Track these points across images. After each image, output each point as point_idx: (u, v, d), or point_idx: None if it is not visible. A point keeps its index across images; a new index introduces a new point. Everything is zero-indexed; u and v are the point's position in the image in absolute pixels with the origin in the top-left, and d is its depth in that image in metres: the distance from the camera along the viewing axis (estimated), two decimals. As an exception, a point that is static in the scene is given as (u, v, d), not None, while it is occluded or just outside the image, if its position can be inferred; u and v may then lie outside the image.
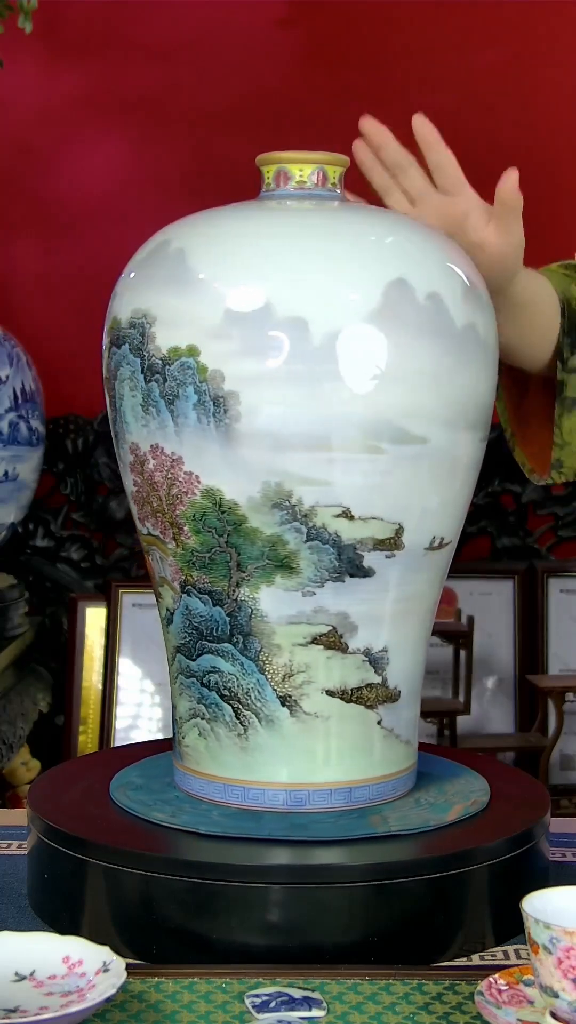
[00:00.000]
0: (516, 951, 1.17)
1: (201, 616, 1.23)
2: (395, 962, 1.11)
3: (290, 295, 1.16)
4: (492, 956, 1.16)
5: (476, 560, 2.86)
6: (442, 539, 1.24)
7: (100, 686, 2.68)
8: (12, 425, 2.40)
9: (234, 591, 1.21)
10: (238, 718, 1.23)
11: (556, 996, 0.97)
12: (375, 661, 1.23)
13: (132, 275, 1.25)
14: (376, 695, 1.23)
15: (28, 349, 2.51)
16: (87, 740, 2.68)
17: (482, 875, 1.17)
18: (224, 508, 1.19)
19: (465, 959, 1.16)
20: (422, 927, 1.15)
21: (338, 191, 1.28)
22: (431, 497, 1.21)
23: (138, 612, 2.70)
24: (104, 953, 1.03)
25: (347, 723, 1.23)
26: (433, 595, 1.28)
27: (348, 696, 1.23)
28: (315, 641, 1.21)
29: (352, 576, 1.20)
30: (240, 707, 1.23)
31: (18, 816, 1.43)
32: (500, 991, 1.01)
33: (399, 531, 1.20)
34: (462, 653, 2.66)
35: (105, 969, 1.02)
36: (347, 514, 1.18)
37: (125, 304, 1.23)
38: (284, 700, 1.22)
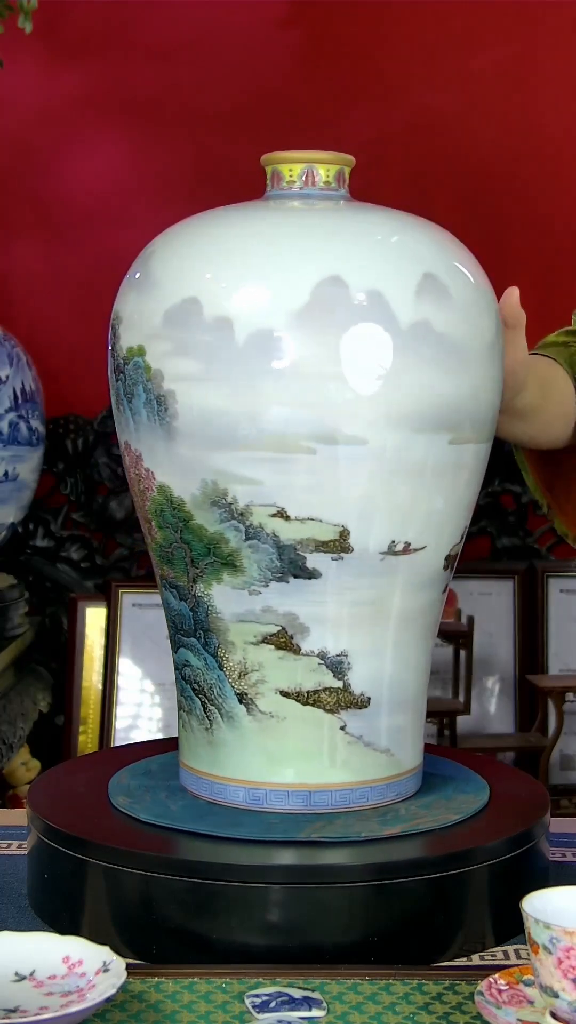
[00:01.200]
0: (516, 951, 1.17)
1: (174, 610, 1.25)
2: (395, 962, 1.11)
3: (218, 296, 1.17)
4: (492, 956, 1.16)
5: (476, 560, 2.86)
6: (407, 544, 1.20)
7: (100, 686, 2.68)
8: (12, 425, 2.40)
9: (192, 586, 1.22)
10: (205, 712, 1.24)
11: (556, 996, 0.97)
12: (333, 665, 1.21)
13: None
14: (337, 700, 1.22)
15: (28, 349, 2.51)
16: (87, 740, 2.68)
17: (482, 875, 1.17)
18: (175, 505, 1.20)
19: (465, 959, 1.15)
20: (422, 927, 1.15)
21: (340, 190, 1.27)
22: (378, 499, 1.18)
23: (138, 612, 2.70)
24: (104, 953, 1.03)
25: (305, 726, 1.22)
26: (414, 601, 1.23)
27: (304, 699, 1.21)
28: (266, 640, 1.21)
29: (296, 577, 1.19)
30: (207, 701, 1.24)
31: (18, 816, 1.43)
32: (500, 991, 1.01)
33: (344, 533, 1.18)
34: (462, 653, 2.66)
35: (105, 969, 1.02)
36: (282, 514, 1.17)
37: (114, 307, 1.27)
38: (241, 698, 1.22)
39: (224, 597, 1.20)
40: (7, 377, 2.40)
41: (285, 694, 1.21)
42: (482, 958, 1.16)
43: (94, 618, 2.72)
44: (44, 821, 1.22)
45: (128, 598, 2.71)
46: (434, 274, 1.19)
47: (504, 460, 2.81)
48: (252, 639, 1.21)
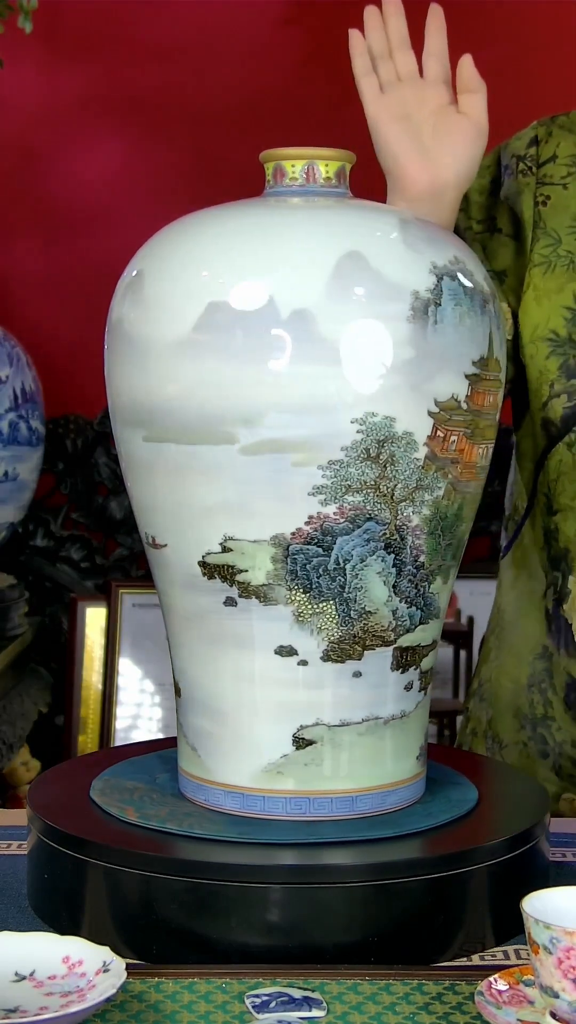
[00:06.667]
0: (516, 951, 1.17)
1: None
2: (395, 962, 1.11)
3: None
4: (492, 956, 1.16)
5: (476, 560, 2.86)
6: (153, 538, 1.20)
7: (100, 686, 2.68)
8: (12, 425, 2.40)
9: None
10: None
11: (556, 996, 0.96)
12: (173, 653, 1.26)
13: None
14: (176, 687, 1.26)
15: (28, 349, 2.51)
16: (87, 740, 2.68)
17: (482, 875, 1.17)
18: None
19: (465, 959, 1.15)
20: (422, 927, 1.15)
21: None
22: (129, 491, 1.25)
23: (138, 612, 2.70)
24: (104, 953, 1.03)
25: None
26: (185, 602, 1.20)
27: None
28: None
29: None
30: None
31: (18, 816, 1.43)
32: (500, 991, 1.01)
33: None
34: (462, 653, 2.66)
35: (105, 969, 1.02)
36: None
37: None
38: None
39: None
40: (7, 377, 2.40)
41: None
42: (482, 958, 1.16)
43: (94, 618, 2.72)
44: (44, 821, 1.22)
45: (128, 598, 2.71)
46: (142, 269, 1.19)
47: (504, 461, 2.81)
48: None
